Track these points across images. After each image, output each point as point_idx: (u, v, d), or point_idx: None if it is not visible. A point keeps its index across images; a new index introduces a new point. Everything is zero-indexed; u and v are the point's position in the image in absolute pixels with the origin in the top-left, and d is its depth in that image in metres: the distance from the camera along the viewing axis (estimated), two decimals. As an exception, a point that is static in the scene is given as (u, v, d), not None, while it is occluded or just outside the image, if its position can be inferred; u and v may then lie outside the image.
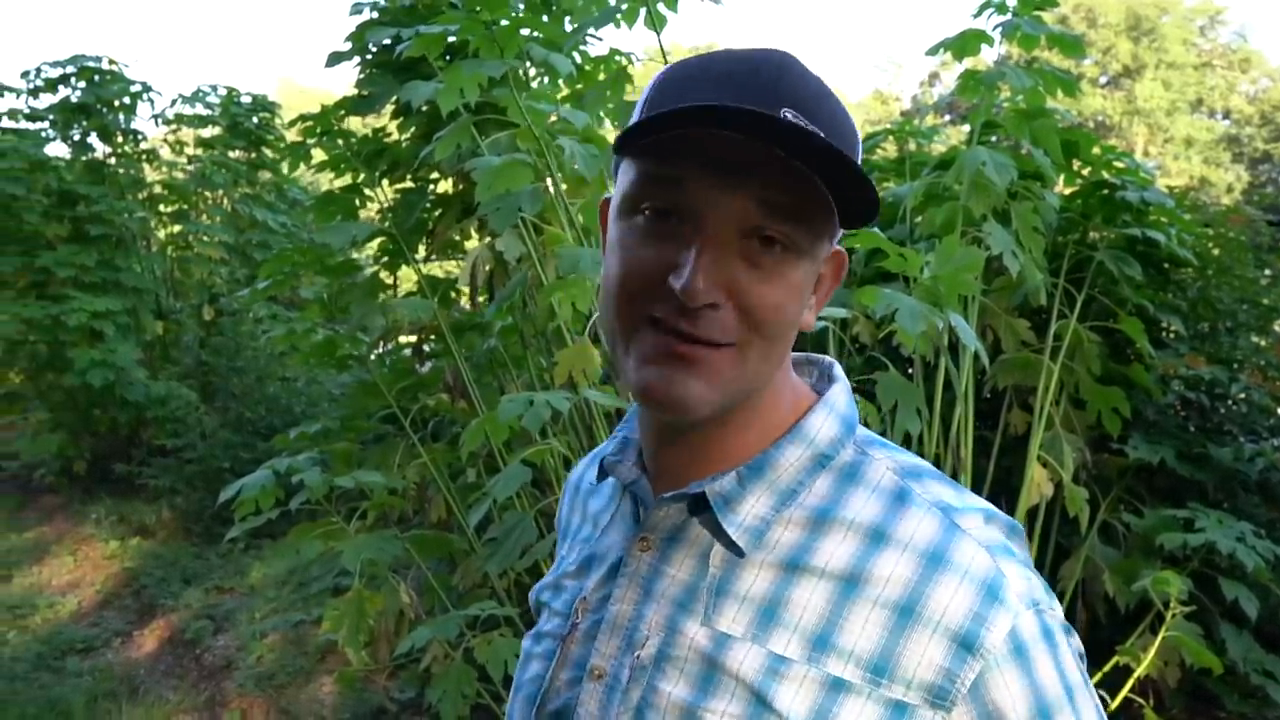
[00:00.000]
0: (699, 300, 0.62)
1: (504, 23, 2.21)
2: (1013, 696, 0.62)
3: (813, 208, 0.63)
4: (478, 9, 2.15)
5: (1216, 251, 3.51)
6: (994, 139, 3.31)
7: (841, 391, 0.75)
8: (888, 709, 0.63)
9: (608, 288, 0.68)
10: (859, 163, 0.65)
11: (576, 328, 2.46)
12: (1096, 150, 3.23)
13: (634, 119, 0.66)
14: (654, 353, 0.65)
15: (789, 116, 0.61)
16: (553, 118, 2.38)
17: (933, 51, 3.07)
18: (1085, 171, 3.34)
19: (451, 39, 2.67)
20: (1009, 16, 2.91)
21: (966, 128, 3.11)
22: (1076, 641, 0.68)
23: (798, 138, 0.58)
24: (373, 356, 3.33)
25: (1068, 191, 3.39)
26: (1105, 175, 3.24)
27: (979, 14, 2.96)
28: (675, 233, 0.64)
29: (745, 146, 0.60)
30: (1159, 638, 2.41)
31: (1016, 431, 3.06)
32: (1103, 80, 35.12)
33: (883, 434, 2.22)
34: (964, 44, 2.95)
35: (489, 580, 2.95)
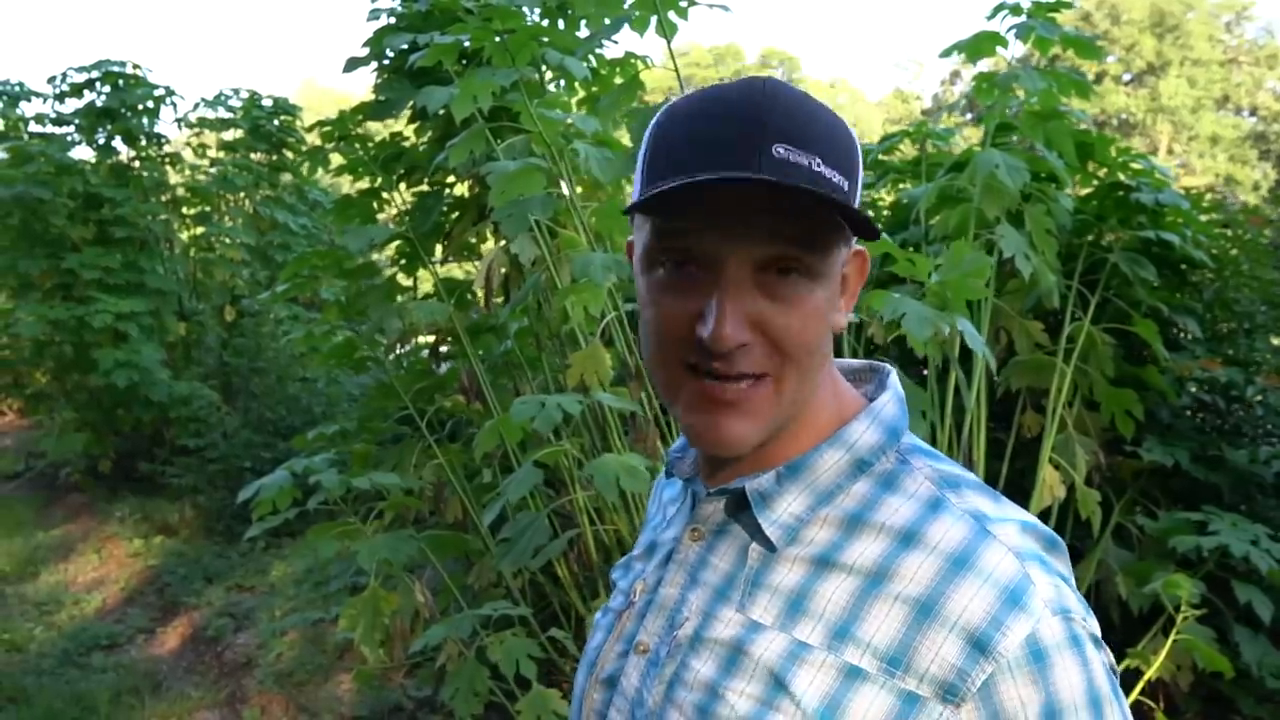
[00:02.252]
0: (727, 345, 0.66)
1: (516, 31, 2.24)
2: (1023, 701, 0.64)
3: (816, 233, 0.68)
4: (490, 19, 2.17)
5: (1235, 252, 3.49)
6: (1015, 140, 3.30)
7: (890, 401, 0.78)
8: (900, 699, 0.65)
9: (648, 343, 0.74)
10: (858, 170, 0.71)
11: (590, 330, 2.49)
12: (1112, 151, 3.22)
13: (636, 177, 0.73)
14: (698, 399, 0.70)
15: (780, 152, 0.65)
16: (568, 122, 2.40)
17: (946, 54, 3.08)
18: (1102, 173, 3.33)
19: (467, 44, 2.70)
20: (1023, 18, 2.91)
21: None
22: (1108, 655, 0.68)
23: (784, 191, 0.63)
24: (390, 358, 3.37)
25: (1084, 193, 3.38)
26: (1121, 177, 3.23)
27: (993, 16, 2.96)
28: (695, 281, 0.69)
29: (743, 197, 0.65)
30: (1169, 641, 2.41)
31: (1030, 433, 3.06)
32: (1126, 78, 34.79)
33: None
34: (978, 46, 2.96)
35: (504, 580, 2.98)
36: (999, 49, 2.97)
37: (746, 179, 0.63)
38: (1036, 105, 2.94)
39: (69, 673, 4.11)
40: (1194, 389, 3.24)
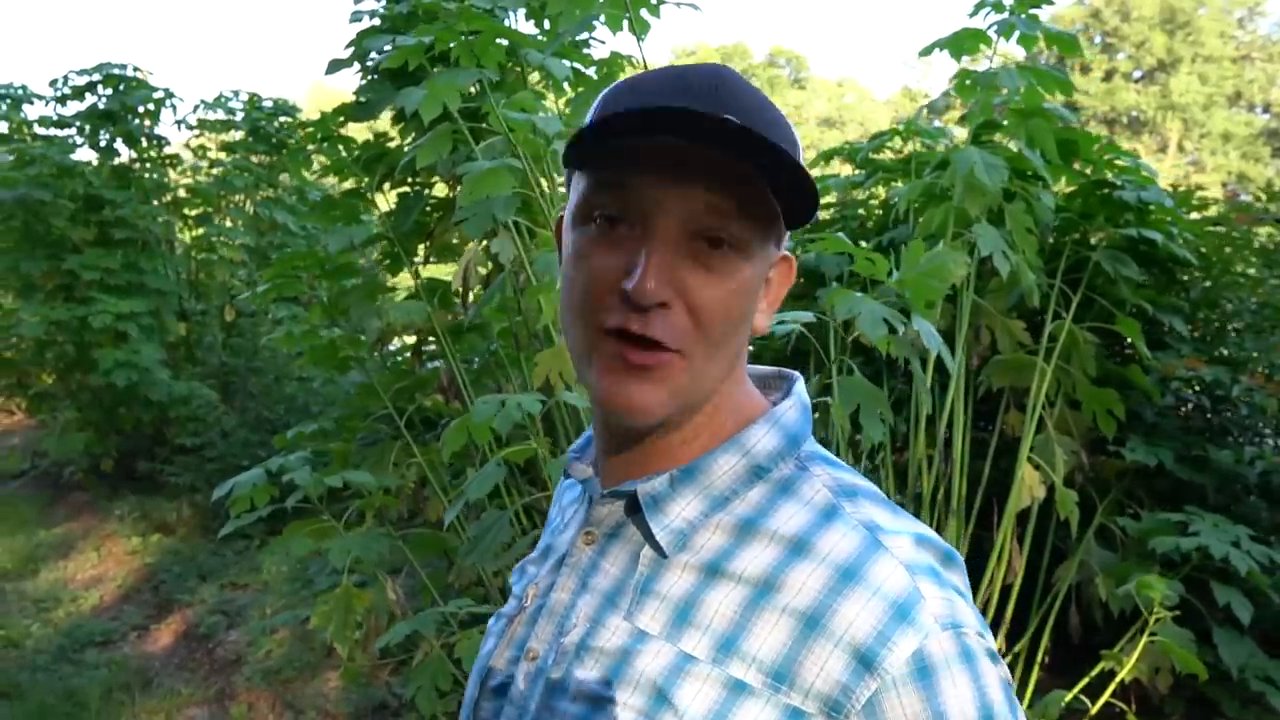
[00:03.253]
0: (649, 300, 0.65)
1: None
2: (908, 719, 0.62)
3: (757, 207, 0.66)
4: (449, 20, 2.18)
5: (1228, 250, 3.46)
6: (1012, 140, 3.28)
7: (793, 407, 0.76)
8: (785, 715, 0.64)
9: (569, 300, 0.71)
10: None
11: (559, 329, 2.49)
12: (1095, 149, 3.20)
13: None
14: (613, 362, 0.68)
15: (734, 123, 0.64)
16: (533, 122, 2.41)
17: (926, 52, 3.06)
18: (1088, 171, 3.32)
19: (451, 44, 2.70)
20: (1005, 15, 2.90)
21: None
22: (1005, 670, 0.67)
23: (737, 137, 0.61)
24: (375, 358, 3.38)
25: (1068, 191, 3.37)
26: (1109, 174, 3.21)
27: (975, 13, 2.95)
28: (626, 237, 0.67)
29: (687, 148, 0.64)
30: (1141, 642, 2.39)
31: (1014, 433, 3.04)
32: (1136, 75, 34.56)
33: (855, 441, 2.22)
34: (959, 43, 2.94)
35: (484, 578, 2.99)
36: (984, 46, 2.96)
37: (709, 116, 0.61)
38: (1020, 103, 2.93)
39: (63, 669, 4.15)
40: (1179, 388, 3.21)
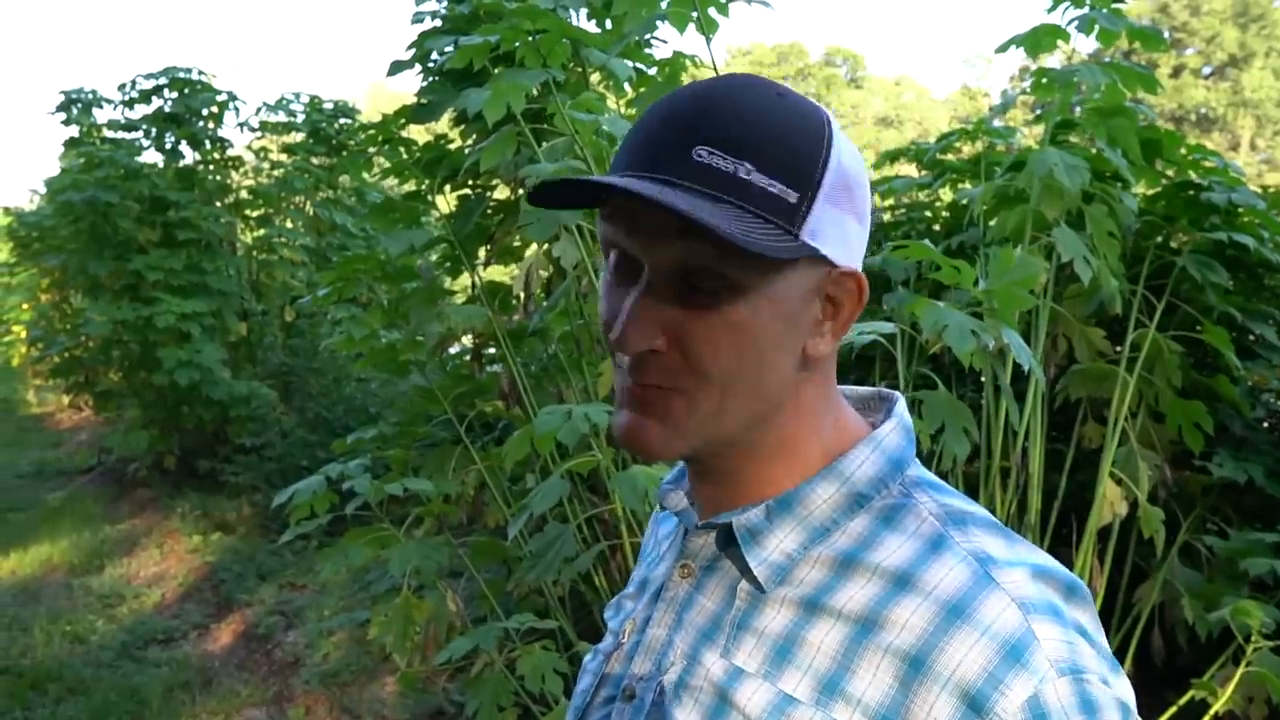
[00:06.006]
0: (628, 349, 0.64)
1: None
2: None
3: (728, 244, 0.62)
4: (515, 19, 2.14)
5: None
6: (1087, 137, 3.16)
7: (894, 430, 0.72)
8: None
9: None
10: (818, 183, 0.64)
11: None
12: (1181, 149, 3.06)
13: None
14: (621, 397, 0.68)
15: (702, 155, 0.62)
16: (597, 123, 2.36)
17: (1003, 49, 2.96)
18: (1171, 172, 3.17)
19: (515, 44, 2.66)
20: (1085, 10, 2.78)
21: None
22: None
23: (638, 199, 0.60)
24: (435, 361, 3.36)
25: (1151, 193, 3.23)
26: (1192, 175, 3.07)
27: (1053, 8, 2.84)
28: (625, 282, 0.66)
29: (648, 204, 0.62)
30: (1238, 672, 2.26)
31: (1091, 445, 2.93)
32: (1206, 71, 33.52)
33: (932, 454, 2.13)
34: (1037, 40, 2.83)
35: (544, 587, 2.95)
36: (1060, 42, 2.85)
37: (609, 185, 0.60)
38: (1100, 101, 2.80)
39: (125, 665, 4.21)
40: (1269, 400, 3.06)
